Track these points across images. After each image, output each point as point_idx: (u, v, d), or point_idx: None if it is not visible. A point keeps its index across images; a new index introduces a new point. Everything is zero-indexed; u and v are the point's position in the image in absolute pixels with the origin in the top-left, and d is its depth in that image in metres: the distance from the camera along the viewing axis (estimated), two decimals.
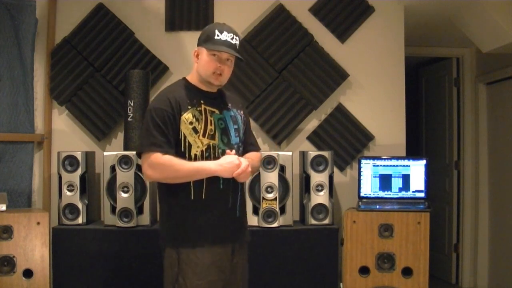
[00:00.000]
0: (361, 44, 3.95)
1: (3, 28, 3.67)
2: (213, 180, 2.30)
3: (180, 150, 2.29)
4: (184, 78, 2.46)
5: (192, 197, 2.29)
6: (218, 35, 2.35)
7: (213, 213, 2.32)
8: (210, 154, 2.32)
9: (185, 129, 2.29)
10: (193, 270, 2.26)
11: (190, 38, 3.91)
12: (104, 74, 3.86)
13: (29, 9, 3.75)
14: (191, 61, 3.83)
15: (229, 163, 2.27)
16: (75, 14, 3.89)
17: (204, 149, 2.31)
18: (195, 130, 2.30)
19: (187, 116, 2.30)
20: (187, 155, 2.30)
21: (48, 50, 3.86)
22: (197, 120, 2.31)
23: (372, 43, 3.95)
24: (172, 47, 3.92)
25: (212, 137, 2.33)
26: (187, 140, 2.29)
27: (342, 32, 3.94)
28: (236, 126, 2.45)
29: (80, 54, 3.85)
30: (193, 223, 2.30)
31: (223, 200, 2.35)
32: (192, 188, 2.29)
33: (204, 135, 2.31)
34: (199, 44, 2.41)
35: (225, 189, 2.35)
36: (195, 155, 2.30)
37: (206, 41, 2.36)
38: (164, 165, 2.24)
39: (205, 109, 2.35)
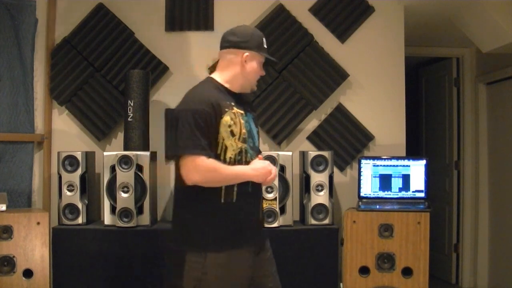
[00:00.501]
0: (361, 44, 3.95)
1: (3, 28, 3.67)
2: (243, 184, 2.29)
3: (215, 153, 2.26)
4: (212, 78, 2.38)
5: (222, 200, 2.26)
6: (265, 44, 2.40)
7: (242, 216, 2.31)
8: (242, 158, 2.30)
9: (224, 132, 2.25)
10: (219, 273, 2.24)
11: (190, 38, 3.92)
12: (104, 74, 3.86)
13: (29, 9, 3.75)
14: (192, 61, 3.90)
15: (263, 169, 2.29)
16: (75, 14, 3.89)
17: (237, 152, 2.29)
18: (232, 133, 2.27)
19: (226, 118, 2.25)
20: (222, 158, 2.26)
21: (48, 50, 3.86)
22: (234, 123, 2.28)
23: (372, 43, 3.95)
24: (172, 47, 3.92)
25: (244, 140, 2.32)
26: (224, 143, 2.26)
27: (342, 32, 3.94)
28: (257, 129, 2.47)
29: (80, 54, 3.85)
30: (222, 226, 2.27)
31: (251, 203, 2.35)
32: (222, 191, 2.26)
33: (239, 139, 2.29)
34: (249, 49, 2.35)
35: (252, 192, 2.34)
36: (230, 158, 2.27)
37: (259, 48, 2.37)
38: (209, 169, 2.20)
39: (236, 111, 2.31)
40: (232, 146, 2.27)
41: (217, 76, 2.39)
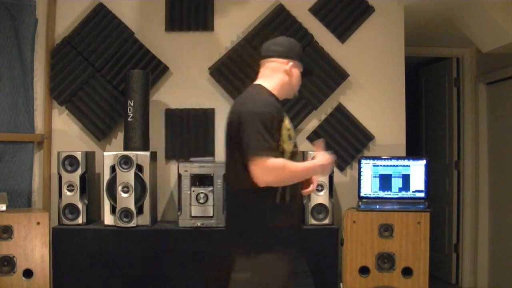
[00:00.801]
0: (361, 44, 3.95)
1: (3, 28, 3.67)
2: (295, 185, 2.35)
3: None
4: (262, 85, 2.42)
5: (277, 200, 2.29)
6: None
7: (292, 217, 2.36)
8: (293, 161, 2.34)
9: (285, 135, 2.31)
10: (271, 273, 2.26)
11: (190, 38, 3.92)
12: (104, 74, 3.86)
13: (29, 9, 3.75)
14: (192, 61, 3.90)
15: (328, 160, 2.35)
16: (75, 14, 3.89)
17: (290, 155, 2.34)
18: (289, 137, 2.33)
19: (286, 122, 2.33)
20: None
21: (48, 50, 3.86)
22: (290, 127, 2.36)
23: (372, 43, 3.95)
24: (172, 47, 3.92)
25: (295, 144, 2.40)
26: (282, 146, 2.30)
27: (342, 32, 3.94)
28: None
29: (80, 54, 3.85)
30: (277, 227, 2.29)
31: (299, 204, 2.43)
32: (278, 192, 2.29)
33: (293, 143, 2.37)
34: (293, 58, 2.45)
35: (300, 192, 2.41)
36: None
37: (300, 58, 2.50)
38: (281, 168, 2.22)
39: (287, 117, 2.40)
40: (289, 148, 2.33)
41: (263, 83, 2.42)
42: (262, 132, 2.19)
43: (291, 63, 2.42)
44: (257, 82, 2.45)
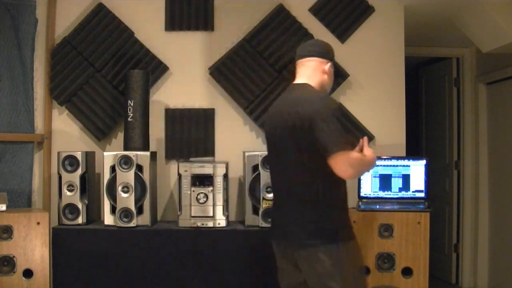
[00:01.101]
0: (361, 44, 3.95)
1: (3, 28, 3.67)
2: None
3: None
4: (312, 85, 2.49)
5: (342, 196, 2.45)
6: None
7: (348, 207, 2.51)
8: None
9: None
10: (354, 261, 2.39)
11: (190, 38, 3.92)
12: (104, 74, 3.86)
13: (29, 9, 3.75)
14: (192, 61, 3.90)
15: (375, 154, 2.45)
16: (75, 14, 3.89)
17: None
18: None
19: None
20: None
21: (48, 50, 3.86)
22: None
23: (372, 43, 3.95)
24: (172, 47, 3.92)
25: None
26: None
27: (342, 32, 3.94)
28: None
29: (80, 54, 3.85)
30: (346, 216, 2.44)
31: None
32: (341, 184, 2.42)
33: None
34: (330, 59, 2.54)
35: None
36: None
37: (333, 60, 2.58)
38: (360, 159, 2.34)
39: None
40: None
41: (308, 82, 2.49)
42: (339, 128, 2.30)
43: (329, 63, 2.52)
44: (300, 81, 2.51)
